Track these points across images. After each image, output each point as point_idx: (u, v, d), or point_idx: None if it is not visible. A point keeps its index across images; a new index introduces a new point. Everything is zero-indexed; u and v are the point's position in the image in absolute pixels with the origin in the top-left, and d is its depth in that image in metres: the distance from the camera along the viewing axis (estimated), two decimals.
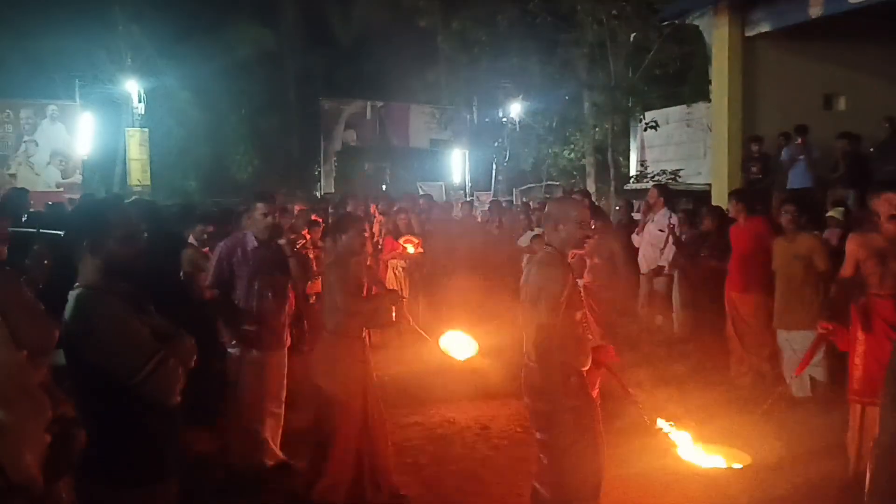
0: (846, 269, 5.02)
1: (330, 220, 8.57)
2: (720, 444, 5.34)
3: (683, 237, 8.24)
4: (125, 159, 20.04)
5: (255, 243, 5.17)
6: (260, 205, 5.22)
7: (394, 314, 5.09)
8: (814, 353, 5.46)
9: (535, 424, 3.74)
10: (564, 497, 3.63)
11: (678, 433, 4.94)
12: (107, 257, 2.68)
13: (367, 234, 5.57)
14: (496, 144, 21.02)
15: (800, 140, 10.23)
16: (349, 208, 7.01)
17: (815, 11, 10.03)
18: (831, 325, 5.03)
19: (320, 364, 4.75)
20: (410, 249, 9.45)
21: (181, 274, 6.65)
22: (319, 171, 23.20)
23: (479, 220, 12.77)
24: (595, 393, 3.74)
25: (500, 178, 21.40)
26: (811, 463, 5.21)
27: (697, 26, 13.02)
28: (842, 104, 12.07)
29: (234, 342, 5.12)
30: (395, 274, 9.47)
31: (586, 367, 3.63)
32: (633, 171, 17.24)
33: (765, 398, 6.21)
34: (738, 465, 5.17)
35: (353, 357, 4.71)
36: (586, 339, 3.68)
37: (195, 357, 2.84)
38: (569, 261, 3.68)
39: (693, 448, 5.05)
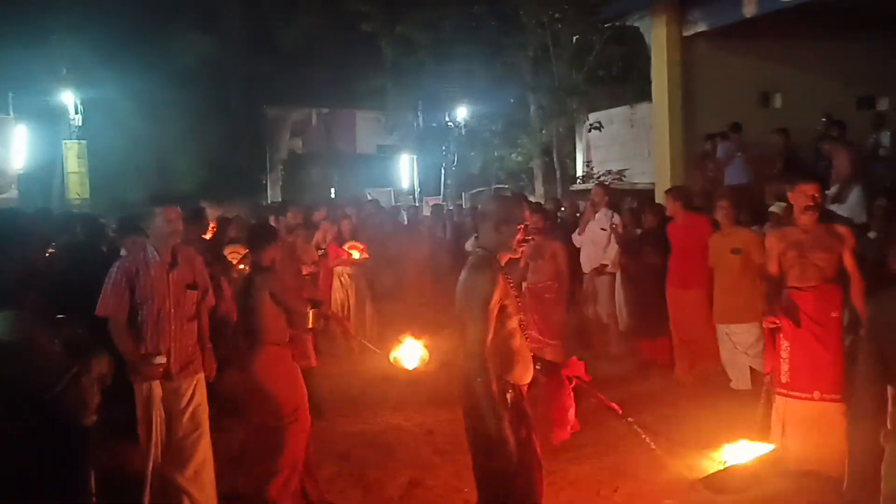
0: (771, 266, 5.12)
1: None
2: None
3: (625, 235, 8.28)
4: (63, 172, 19.49)
5: (158, 258, 4.46)
6: (159, 210, 4.46)
7: (311, 319, 5.38)
8: (775, 351, 5.42)
9: (472, 446, 3.43)
10: None
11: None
12: (11, 268, 2.55)
13: (283, 246, 5.64)
14: (444, 149, 21.00)
15: (735, 137, 10.36)
16: (290, 217, 6.81)
17: (749, 10, 10.20)
18: (775, 317, 5.04)
19: (263, 378, 4.73)
20: (356, 255, 9.34)
21: None
22: (266, 180, 22.88)
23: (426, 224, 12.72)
24: (572, 413, 3.58)
25: (448, 182, 21.36)
26: None
27: (638, 28, 13.17)
28: (778, 101, 12.31)
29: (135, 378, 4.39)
30: (340, 281, 9.34)
31: (526, 382, 3.39)
32: (579, 172, 17.37)
33: (707, 392, 6.31)
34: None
35: (289, 364, 4.81)
36: (525, 349, 3.40)
37: (112, 373, 2.72)
38: (502, 263, 3.42)
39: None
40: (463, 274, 3.41)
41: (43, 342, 2.52)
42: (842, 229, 4.96)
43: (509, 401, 3.27)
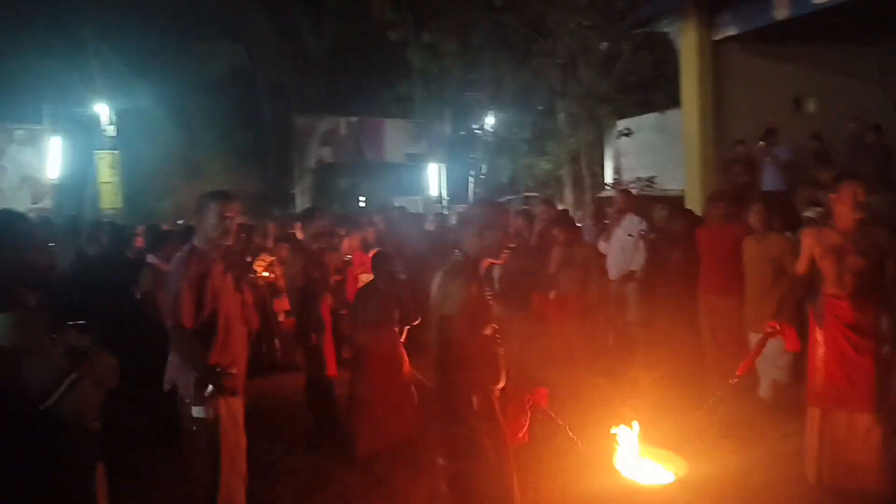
0: (801, 266, 4.85)
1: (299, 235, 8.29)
2: (666, 451, 5.13)
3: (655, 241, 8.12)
4: (96, 183, 19.77)
5: (219, 259, 4.13)
6: (213, 204, 4.07)
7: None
8: (757, 354, 5.17)
9: (438, 450, 3.38)
10: None
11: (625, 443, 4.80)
12: (6, 269, 2.50)
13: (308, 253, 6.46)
14: (472, 157, 20.95)
15: (763, 143, 10.14)
16: (317, 224, 6.69)
17: (780, 13, 9.98)
18: (778, 323, 4.78)
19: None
20: None
21: (138, 294, 6.50)
22: (295, 189, 23.00)
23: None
24: (524, 434, 3.54)
25: (477, 190, 21.29)
26: (767, 469, 5.11)
27: (667, 33, 12.99)
28: (812, 106, 12.04)
29: (207, 395, 3.92)
30: None
31: (499, 386, 3.39)
32: (609, 180, 17.22)
33: (736, 403, 6.13)
34: (672, 477, 4.94)
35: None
36: (498, 356, 3.41)
37: (116, 377, 2.66)
38: (483, 269, 3.43)
39: (633, 460, 4.88)
40: (438, 279, 3.38)
41: (43, 347, 2.46)
42: (882, 234, 4.67)
43: (483, 403, 3.26)
